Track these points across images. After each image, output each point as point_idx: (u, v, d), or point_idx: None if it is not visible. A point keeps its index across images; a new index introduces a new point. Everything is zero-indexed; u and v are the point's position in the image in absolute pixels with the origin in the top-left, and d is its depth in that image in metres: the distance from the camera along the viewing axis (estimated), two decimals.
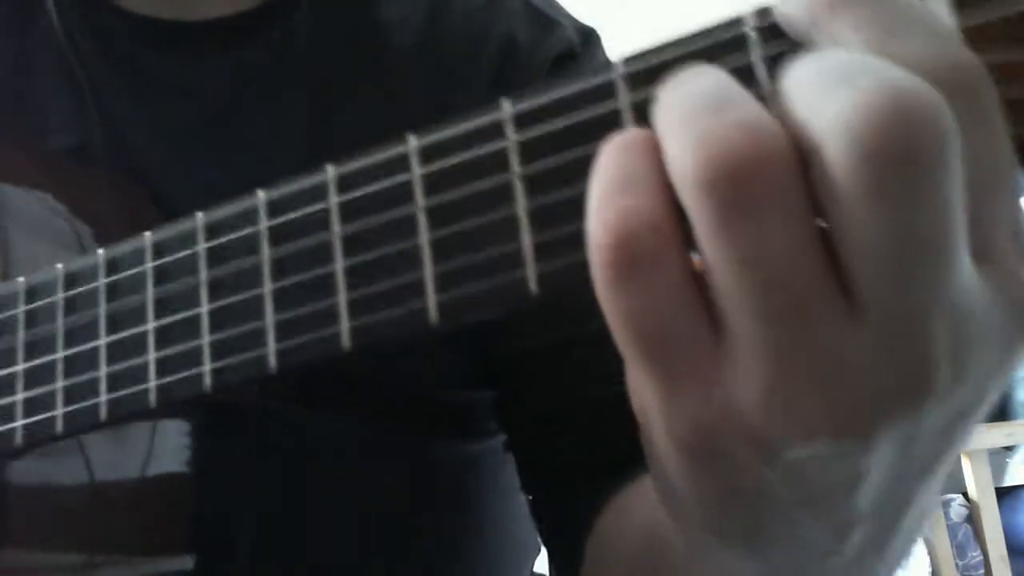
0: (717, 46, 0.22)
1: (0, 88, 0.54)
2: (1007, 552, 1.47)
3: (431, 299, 0.25)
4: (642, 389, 0.21)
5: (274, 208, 0.29)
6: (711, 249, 0.19)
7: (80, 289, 0.33)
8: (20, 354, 0.34)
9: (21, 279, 0.35)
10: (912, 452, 0.20)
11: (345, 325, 0.26)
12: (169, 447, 0.48)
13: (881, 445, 0.19)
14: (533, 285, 0.23)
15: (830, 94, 0.18)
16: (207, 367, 0.29)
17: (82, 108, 0.52)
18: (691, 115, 0.19)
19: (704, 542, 0.25)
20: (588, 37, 0.55)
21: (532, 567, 0.68)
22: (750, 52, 0.21)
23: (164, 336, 0.30)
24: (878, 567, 0.24)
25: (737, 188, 0.18)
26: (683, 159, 0.18)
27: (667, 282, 0.19)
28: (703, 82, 0.19)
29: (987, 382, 0.19)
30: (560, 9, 0.56)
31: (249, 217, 0.29)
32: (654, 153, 0.20)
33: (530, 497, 0.56)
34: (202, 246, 0.30)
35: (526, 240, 0.23)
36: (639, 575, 0.38)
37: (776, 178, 0.18)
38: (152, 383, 0.30)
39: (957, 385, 0.18)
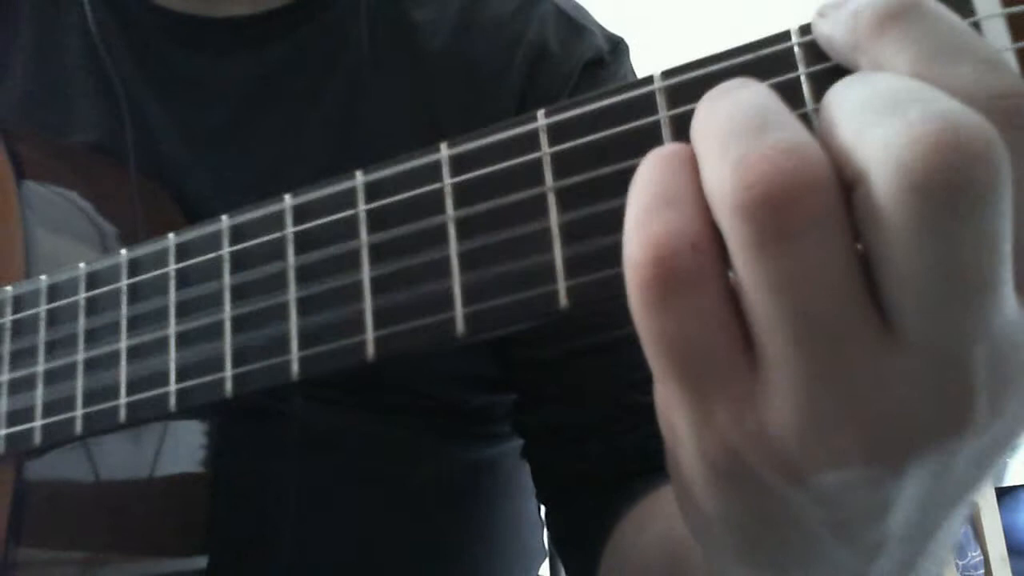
0: (760, 61, 0.21)
1: (30, 81, 0.54)
2: (1007, 552, 1.46)
3: (458, 311, 0.24)
4: (672, 407, 0.20)
5: (300, 214, 0.28)
6: (747, 272, 0.18)
7: (102, 290, 0.33)
8: (40, 354, 0.34)
9: (43, 277, 0.35)
10: (944, 482, 0.20)
11: (370, 335, 0.26)
12: (186, 447, 0.48)
13: (913, 474, 0.19)
14: (563, 299, 0.23)
15: (878, 122, 0.17)
16: (228, 372, 0.29)
17: (110, 103, 0.52)
18: (730, 134, 0.18)
19: (731, 567, 0.24)
20: (616, 46, 0.55)
21: (538, 572, 0.68)
22: (796, 68, 0.21)
23: (185, 340, 0.30)
24: None
25: (775, 215, 0.17)
26: (720, 181, 0.18)
27: (706, 304, 0.19)
28: (743, 97, 0.19)
29: (1017, 422, 0.19)
30: (590, 17, 0.56)
31: (275, 222, 0.29)
32: (695, 168, 0.19)
33: (544, 505, 0.56)
34: (226, 250, 0.30)
35: (558, 253, 0.23)
36: None
37: (816, 205, 0.17)
38: (172, 387, 0.30)
39: (994, 418, 0.18)
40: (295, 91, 0.52)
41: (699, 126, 0.19)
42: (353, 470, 0.52)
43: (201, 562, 0.48)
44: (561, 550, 0.54)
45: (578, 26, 0.54)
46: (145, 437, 0.46)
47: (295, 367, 0.27)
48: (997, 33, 0.19)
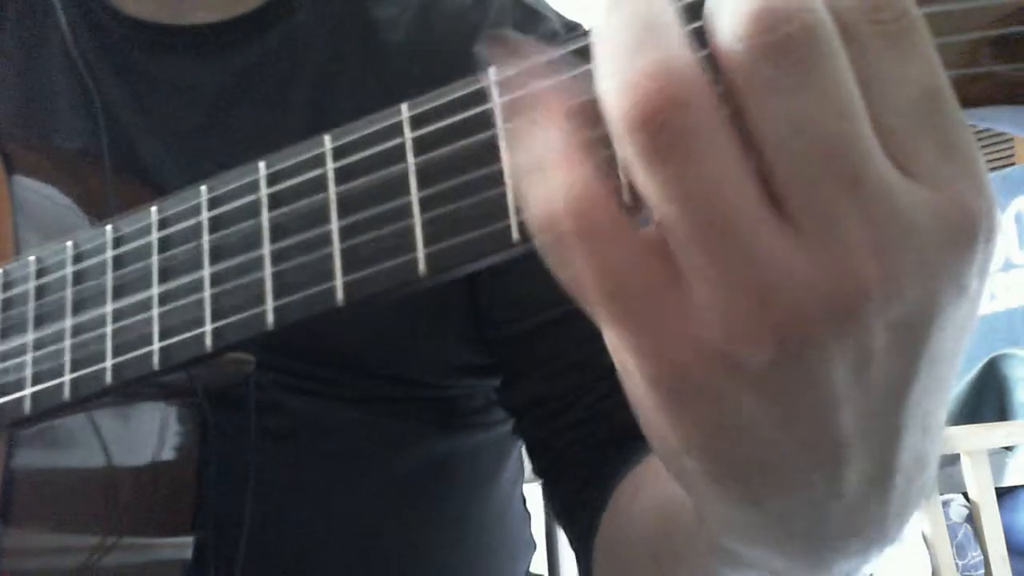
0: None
1: (13, 85, 0.56)
2: (1007, 552, 1.46)
3: (420, 252, 0.26)
4: (617, 345, 0.22)
5: (274, 177, 0.30)
6: (647, 189, 0.20)
7: (88, 263, 0.35)
8: (30, 326, 0.36)
9: (32, 256, 0.37)
10: (871, 371, 0.21)
11: (339, 281, 0.28)
12: (172, 433, 0.49)
13: (834, 355, 0.20)
14: (515, 233, 0.24)
15: (722, 5, 0.20)
16: (208, 328, 0.30)
17: (88, 108, 0.54)
18: (613, 56, 0.20)
19: (706, 497, 0.25)
20: (573, 31, 0.57)
21: (529, 565, 0.69)
22: None
23: (167, 301, 0.32)
24: (884, 517, 0.24)
25: (655, 133, 0.19)
26: (607, 105, 0.20)
27: (617, 245, 0.20)
28: (627, 13, 0.20)
29: (930, 295, 0.20)
30: (547, 6, 0.59)
31: (250, 187, 0.31)
32: (570, 123, 0.21)
33: (541, 479, 0.57)
34: (205, 216, 0.32)
35: (509, 192, 0.25)
36: (655, 548, 0.39)
37: (691, 117, 0.19)
38: (156, 346, 0.32)
39: (891, 290, 0.19)
40: (265, 93, 0.55)
41: (594, 42, 0.21)
42: (335, 458, 0.53)
43: (188, 546, 0.49)
44: (561, 521, 0.55)
45: (535, 13, 0.57)
46: (132, 423, 0.47)
47: (270, 317, 0.29)
48: None
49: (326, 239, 0.28)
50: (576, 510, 0.51)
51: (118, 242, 0.34)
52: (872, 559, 0.26)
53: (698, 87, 0.19)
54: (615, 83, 0.20)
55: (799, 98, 0.19)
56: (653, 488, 0.42)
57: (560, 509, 0.54)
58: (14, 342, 0.36)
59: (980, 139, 2.80)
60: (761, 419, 0.21)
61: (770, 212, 0.19)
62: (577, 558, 0.52)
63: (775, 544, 0.25)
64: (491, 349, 0.55)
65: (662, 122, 0.19)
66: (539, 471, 0.56)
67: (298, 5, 0.56)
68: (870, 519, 0.24)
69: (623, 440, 0.48)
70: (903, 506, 0.25)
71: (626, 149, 0.20)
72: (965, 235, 0.20)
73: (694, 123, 0.19)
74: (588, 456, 0.50)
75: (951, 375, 0.22)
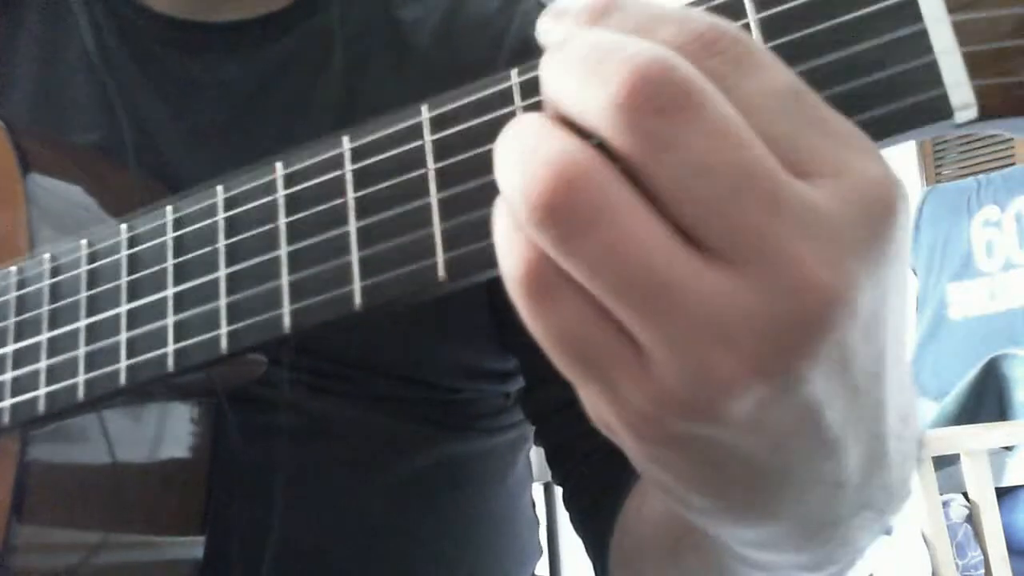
0: (713, 11, 0.23)
1: (31, 81, 0.56)
2: (1007, 552, 1.47)
3: (440, 257, 0.26)
4: (592, 403, 0.22)
5: (291, 179, 0.30)
6: (567, 266, 0.20)
7: (102, 262, 0.35)
8: (44, 325, 0.36)
9: (47, 255, 0.37)
10: (850, 368, 0.20)
11: (357, 285, 0.27)
12: (184, 432, 0.49)
13: (813, 370, 0.19)
14: None
15: (589, 89, 0.20)
16: (223, 330, 0.30)
17: (109, 104, 0.54)
18: (506, 165, 0.21)
19: (721, 526, 0.25)
20: None
21: (535, 569, 0.69)
22: (747, 15, 0.23)
23: (181, 302, 0.32)
24: (888, 483, 0.25)
25: (557, 216, 0.19)
26: (515, 207, 0.20)
27: (575, 307, 0.20)
28: (509, 133, 0.21)
29: (881, 274, 0.20)
30: None
31: (267, 188, 0.31)
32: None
33: (562, 485, 0.57)
34: (221, 216, 0.31)
35: None
36: (673, 541, 0.39)
37: (590, 189, 0.19)
38: (170, 347, 0.32)
39: (852, 288, 0.19)
40: (291, 91, 0.55)
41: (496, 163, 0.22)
42: (346, 458, 0.53)
43: (198, 545, 0.49)
44: (577, 525, 0.55)
45: None
46: (145, 421, 0.47)
47: (287, 320, 0.29)
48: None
49: (344, 243, 0.28)
50: (593, 513, 0.51)
51: (133, 242, 0.34)
52: (887, 522, 0.27)
53: (590, 157, 0.19)
54: (514, 182, 0.20)
55: (694, 143, 0.19)
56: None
57: (577, 513, 0.55)
58: (29, 340, 0.36)
59: (980, 139, 2.80)
60: (747, 446, 0.21)
61: (698, 259, 0.19)
62: (593, 562, 0.53)
63: (794, 546, 0.26)
64: (512, 353, 0.55)
65: (560, 206, 0.19)
66: (559, 476, 0.56)
67: (326, 4, 0.56)
68: (876, 489, 0.25)
69: None
70: (902, 465, 0.25)
71: (539, 240, 0.20)
72: (887, 206, 0.20)
73: (593, 194, 0.19)
74: (606, 463, 0.50)
75: (907, 325, 0.22)
